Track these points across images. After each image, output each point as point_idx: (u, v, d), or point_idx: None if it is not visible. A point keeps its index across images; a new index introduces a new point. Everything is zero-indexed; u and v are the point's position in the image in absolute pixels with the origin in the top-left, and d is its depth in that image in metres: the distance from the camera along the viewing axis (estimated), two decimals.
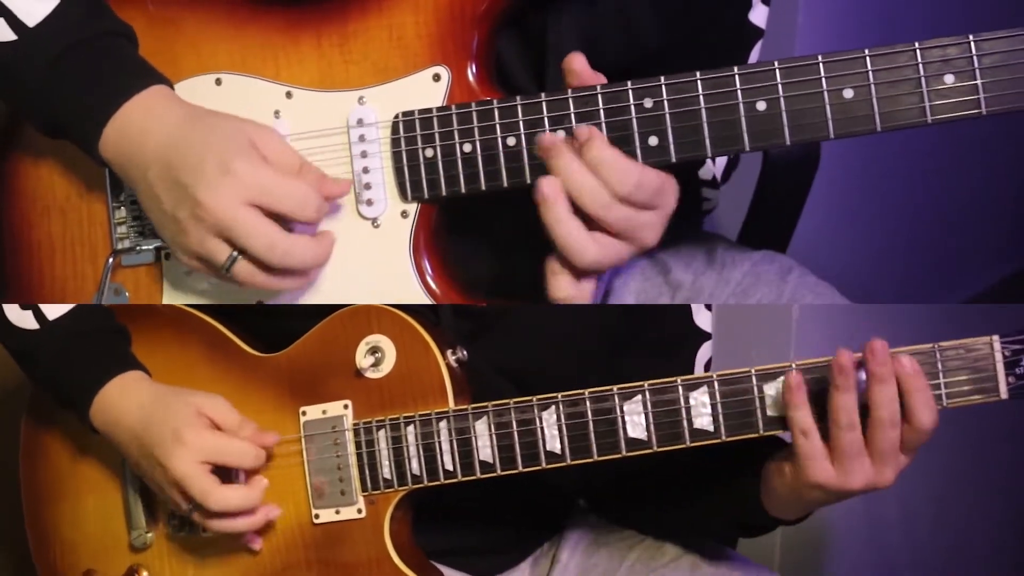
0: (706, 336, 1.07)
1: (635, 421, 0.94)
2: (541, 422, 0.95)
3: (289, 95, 1.00)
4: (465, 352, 0.99)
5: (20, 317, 1.02)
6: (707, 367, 1.07)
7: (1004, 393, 0.89)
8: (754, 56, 1.06)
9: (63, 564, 1.08)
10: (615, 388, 0.94)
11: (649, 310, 1.08)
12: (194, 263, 0.95)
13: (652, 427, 0.93)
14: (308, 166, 0.96)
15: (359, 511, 1.00)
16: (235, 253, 0.92)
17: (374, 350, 0.99)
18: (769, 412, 0.91)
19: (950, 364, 0.89)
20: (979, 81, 0.88)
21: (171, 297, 1.03)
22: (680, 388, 0.93)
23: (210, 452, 0.97)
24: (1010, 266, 2.31)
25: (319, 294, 0.99)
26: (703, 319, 1.08)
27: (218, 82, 1.00)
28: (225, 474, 0.99)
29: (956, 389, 0.89)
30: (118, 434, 1.01)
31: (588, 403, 0.94)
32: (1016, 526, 1.90)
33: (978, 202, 2.16)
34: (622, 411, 0.94)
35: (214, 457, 0.97)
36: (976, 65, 0.88)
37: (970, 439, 1.75)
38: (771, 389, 0.91)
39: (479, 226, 1.05)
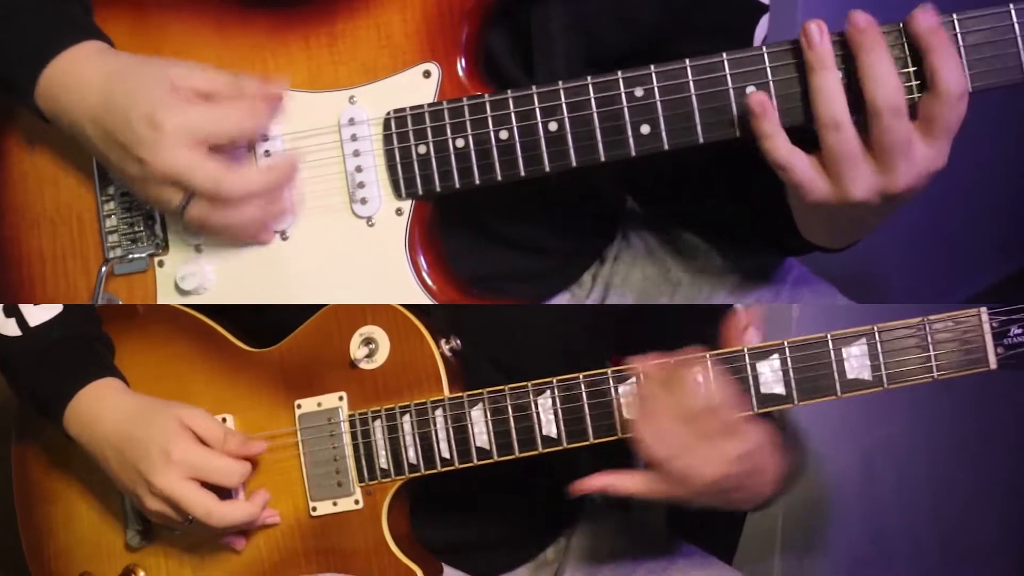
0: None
1: (630, 402, 0.97)
2: (537, 407, 0.99)
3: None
4: (459, 341, 1.03)
5: (2, 324, 1.06)
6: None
7: (993, 363, 0.94)
8: (760, 31, 1.08)
9: (58, 567, 1.11)
10: (609, 371, 0.98)
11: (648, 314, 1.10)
12: (165, 209, 1.00)
13: None
14: (242, 79, 0.99)
15: (356, 502, 1.04)
16: (186, 197, 0.96)
17: (368, 341, 1.03)
18: (763, 389, 0.96)
19: (939, 336, 0.94)
20: (964, 59, 0.92)
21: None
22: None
23: (196, 469, 1.00)
24: (1010, 266, 2.34)
25: (315, 293, 1.03)
26: None
27: None
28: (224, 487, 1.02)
29: (946, 360, 0.94)
30: (92, 442, 1.04)
31: (583, 386, 0.98)
32: (1017, 509, 1.92)
33: (978, 202, 2.20)
34: (617, 393, 0.97)
35: (200, 474, 1.00)
36: (960, 43, 0.92)
37: (971, 420, 1.77)
38: (764, 367, 0.95)
39: (475, 221, 1.08)
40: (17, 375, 1.07)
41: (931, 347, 0.93)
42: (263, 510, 1.04)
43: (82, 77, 0.98)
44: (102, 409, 1.03)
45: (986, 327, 0.93)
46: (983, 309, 0.93)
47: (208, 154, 0.96)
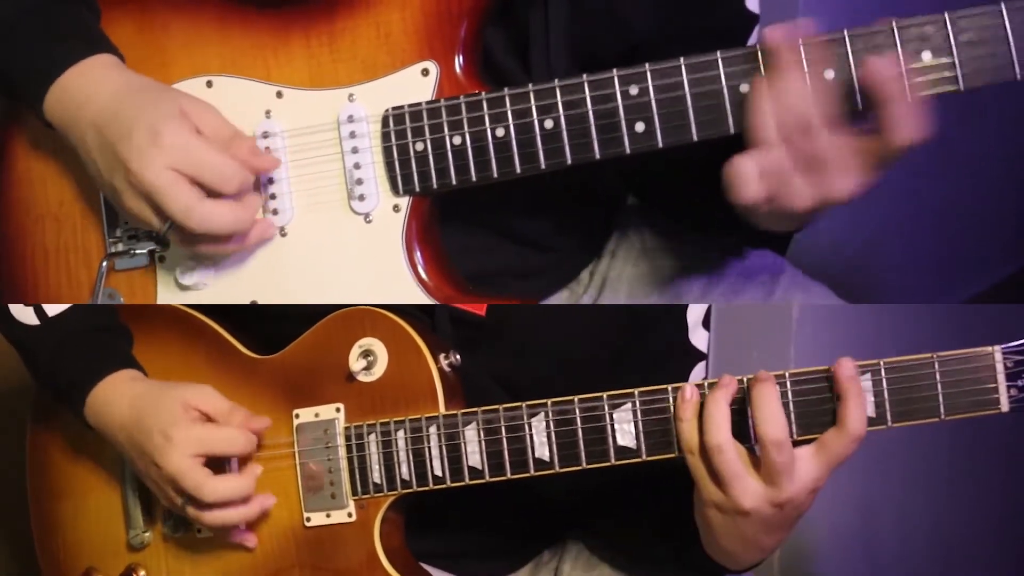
0: (700, 356, 1.11)
1: (624, 429, 0.97)
2: (530, 429, 0.99)
3: (280, 95, 1.07)
4: (458, 356, 1.04)
5: (22, 312, 1.09)
6: None
7: (1005, 406, 0.89)
8: (752, 42, 1.11)
9: (65, 562, 1.14)
10: (605, 395, 0.98)
11: (643, 322, 1.11)
12: (140, 225, 1.03)
13: (642, 435, 0.97)
14: (240, 138, 1.03)
15: (349, 515, 1.05)
16: (166, 224, 1.00)
17: (367, 353, 1.05)
18: None
19: (949, 375, 0.90)
20: (956, 58, 0.94)
21: (165, 300, 1.10)
22: (670, 395, 0.96)
23: (199, 444, 1.03)
24: (1011, 266, 2.34)
25: (314, 289, 1.07)
26: (699, 338, 1.11)
27: (209, 84, 1.08)
28: (220, 466, 1.04)
29: (954, 401, 0.90)
30: (112, 431, 1.07)
31: (578, 410, 0.98)
32: (1012, 541, 1.92)
33: (979, 201, 2.20)
34: (611, 418, 0.97)
35: (203, 448, 1.03)
36: (953, 42, 0.94)
37: (968, 451, 1.77)
38: None
39: (473, 219, 1.11)
40: (37, 364, 1.10)
41: (939, 385, 0.89)
42: (254, 486, 1.04)
43: (92, 88, 1.02)
44: (119, 400, 1.06)
45: (999, 367, 0.88)
46: (997, 348, 0.89)
47: (191, 183, 0.99)
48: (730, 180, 0.95)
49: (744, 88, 0.96)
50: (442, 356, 1.03)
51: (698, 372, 1.10)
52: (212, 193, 0.99)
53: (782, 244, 1.22)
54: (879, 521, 1.82)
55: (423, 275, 1.04)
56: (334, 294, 1.05)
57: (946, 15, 0.93)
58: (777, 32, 0.93)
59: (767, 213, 0.96)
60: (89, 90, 1.01)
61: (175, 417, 1.02)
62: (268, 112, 1.05)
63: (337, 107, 1.04)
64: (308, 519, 1.05)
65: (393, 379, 1.03)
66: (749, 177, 0.94)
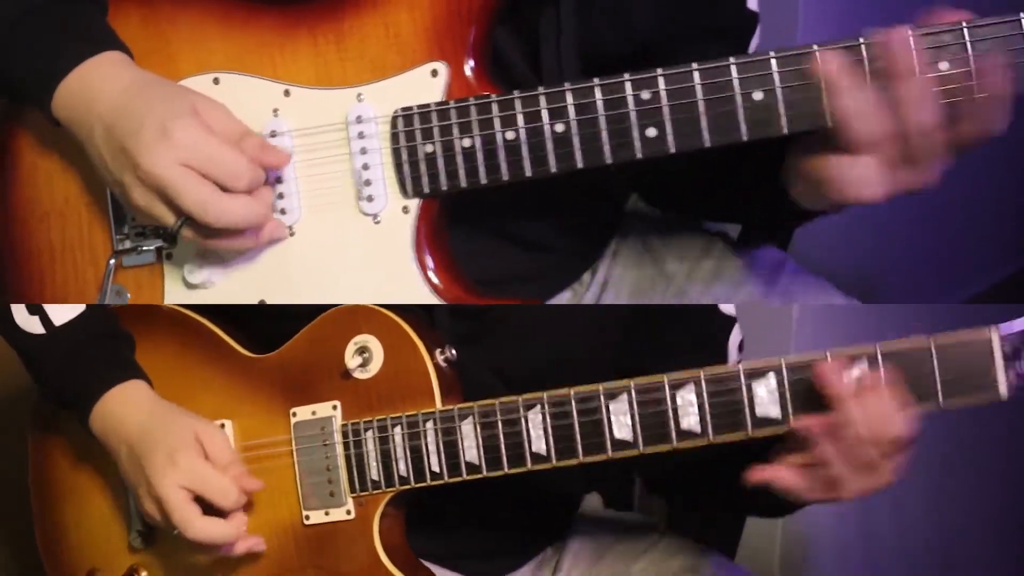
0: (733, 320, 1.11)
1: (621, 421, 0.97)
2: (527, 423, 0.99)
3: (287, 93, 1.06)
4: (454, 351, 1.04)
5: (27, 321, 1.09)
6: (740, 348, 1.10)
7: (1004, 392, 0.87)
8: (754, 42, 1.12)
9: (68, 563, 1.15)
10: (601, 387, 0.98)
11: (671, 309, 1.11)
12: (148, 222, 1.03)
13: (638, 427, 0.97)
14: (250, 136, 1.03)
15: (348, 512, 1.06)
16: (180, 220, 0.99)
17: (362, 350, 1.05)
18: (758, 411, 0.94)
19: (946, 361, 0.89)
20: (973, 67, 0.93)
21: (172, 297, 1.10)
22: (667, 387, 0.96)
23: (195, 480, 1.03)
24: (1011, 266, 2.34)
25: (322, 289, 1.06)
26: (727, 305, 1.12)
27: (216, 81, 1.07)
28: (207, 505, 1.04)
29: (952, 388, 0.89)
30: (113, 440, 1.07)
31: (574, 403, 0.98)
32: (1012, 531, 1.92)
33: (980, 199, 2.20)
34: (608, 411, 0.97)
35: (197, 485, 1.03)
36: (970, 52, 0.93)
37: (966, 442, 1.77)
38: (760, 388, 0.94)
39: (481, 220, 1.11)
40: (43, 373, 1.10)
41: (936, 372, 0.88)
42: (241, 534, 1.05)
43: (102, 85, 1.01)
44: (126, 412, 1.06)
45: (997, 351, 0.87)
46: (993, 329, 0.86)
47: (201, 178, 0.98)
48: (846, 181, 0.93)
49: (758, 96, 0.95)
50: (438, 351, 1.03)
51: (735, 336, 1.10)
52: (223, 190, 0.99)
53: (784, 240, 1.22)
54: (877, 514, 1.83)
55: (432, 277, 1.04)
56: (342, 294, 1.05)
57: (963, 24, 0.93)
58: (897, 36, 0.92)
59: (817, 194, 0.96)
60: (99, 87, 1.01)
61: (184, 443, 1.03)
62: (276, 111, 1.04)
63: (346, 107, 1.03)
64: (307, 517, 1.06)
65: (389, 375, 1.03)
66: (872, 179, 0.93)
